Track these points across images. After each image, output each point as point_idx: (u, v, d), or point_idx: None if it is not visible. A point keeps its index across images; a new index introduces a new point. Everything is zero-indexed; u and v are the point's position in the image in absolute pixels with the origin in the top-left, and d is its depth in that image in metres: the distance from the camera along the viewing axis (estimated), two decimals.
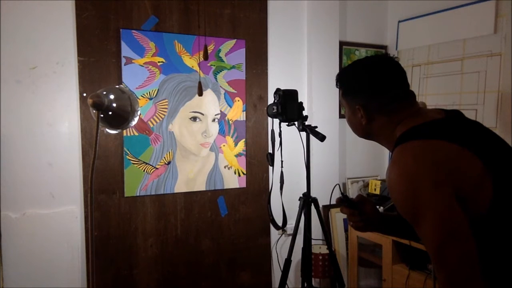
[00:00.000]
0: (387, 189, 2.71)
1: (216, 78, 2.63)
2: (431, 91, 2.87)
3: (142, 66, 2.42)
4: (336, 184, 1.44)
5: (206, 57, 2.43)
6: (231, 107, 2.68)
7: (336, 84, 1.21)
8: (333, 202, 1.29)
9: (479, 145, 1.00)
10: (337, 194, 1.29)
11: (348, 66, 1.21)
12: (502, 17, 2.45)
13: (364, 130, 1.17)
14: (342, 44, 3.04)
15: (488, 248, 0.95)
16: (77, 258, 2.31)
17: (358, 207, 1.23)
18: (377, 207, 2.73)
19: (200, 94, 2.46)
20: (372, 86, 1.12)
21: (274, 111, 2.03)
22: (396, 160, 1.02)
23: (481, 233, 0.94)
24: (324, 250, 2.66)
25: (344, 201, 1.23)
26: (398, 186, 0.99)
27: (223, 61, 2.64)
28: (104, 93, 1.38)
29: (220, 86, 2.64)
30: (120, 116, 1.42)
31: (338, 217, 2.98)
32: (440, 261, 0.92)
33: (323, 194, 2.23)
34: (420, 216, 0.95)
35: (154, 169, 2.49)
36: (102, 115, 1.36)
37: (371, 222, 1.25)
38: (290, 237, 2.25)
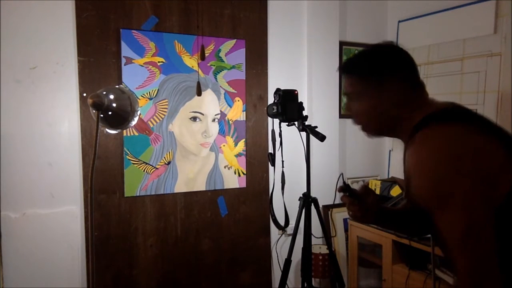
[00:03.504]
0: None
1: (216, 78, 2.63)
2: (431, 91, 2.83)
3: (142, 66, 2.42)
4: (341, 174, 1.43)
5: (203, 57, 2.44)
6: (231, 107, 2.68)
7: (350, 70, 1.13)
8: (338, 197, 1.28)
9: (500, 134, 0.99)
10: (341, 182, 1.30)
11: (363, 51, 1.15)
12: (502, 17, 2.45)
13: (381, 118, 1.10)
14: (342, 44, 3.04)
15: (501, 241, 0.93)
16: (77, 258, 2.31)
17: (359, 197, 1.22)
18: None
19: (199, 94, 2.47)
20: (394, 66, 1.09)
21: (274, 111, 2.03)
22: (424, 142, 0.98)
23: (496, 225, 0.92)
24: (324, 250, 2.66)
25: (345, 190, 1.23)
26: (425, 168, 0.95)
27: (223, 61, 2.64)
28: (104, 93, 1.38)
29: (220, 86, 2.64)
30: (120, 116, 1.42)
31: (338, 217, 2.98)
32: (463, 250, 0.90)
33: (323, 194, 2.24)
34: (446, 201, 0.91)
35: (154, 169, 2.49)
36: (102, 115, 1.36)
37: (370, 214, 1.23)
38: (290, 237, 2.25)
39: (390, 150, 3.25)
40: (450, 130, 0.97)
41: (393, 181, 2.79)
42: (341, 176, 1.42)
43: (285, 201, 2.19)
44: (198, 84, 2.25)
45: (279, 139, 2.10)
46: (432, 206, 0.96)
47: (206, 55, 2.55)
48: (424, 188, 0.97)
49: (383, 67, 1.09)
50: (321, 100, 2.91)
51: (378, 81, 1.09)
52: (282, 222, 2.20)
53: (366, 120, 1.14)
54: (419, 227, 1.29)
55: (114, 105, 1.39)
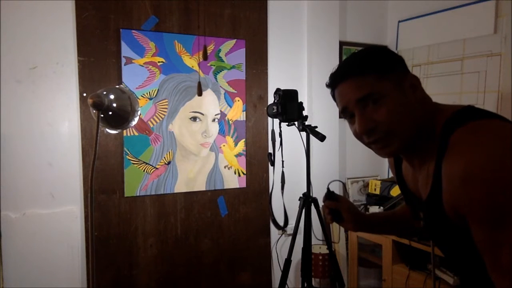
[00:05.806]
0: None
1: (216, 78, 2.63)
2: (431, 91, 2.87)
3: (142, 66, 2.42)
4: (333, 181, 1.47)
5: (205, 57, 2.44)
6: (231, 107, 2.68)
7: (362, 70, 0.92)
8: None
9: None
10: (335, 187, 1.34)
11: (359, 52, 0.98)
12: (502, 17, 2.45)
13: (415, 117, 0.91)
14: (342, 44, 3.04)
15: None
16: (77, 258, 2.31)
17: (335, 209, 1.30)
18: (379, 207, 2.70)
19: (200, 94, 2.47)
20: (403, 62, 0.96)
21: (274, 111, 2.03)
22: (474, 142, 0.80)
23: None
24: (324, 250, 2.66)
25: (328, 196, 1.33)
26: (481, 174, 0.77)
27: (223, 61, 2.64)
28: (104, 93, 1.38)
29: (220, 86, 2.64)
30: (120, 116, 1.42)
31: None
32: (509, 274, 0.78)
33: (323, 194, 2.23)
34: (502, 218, 0.76)
35: (154, 169, 2.49)
36: (102, 115, 1.36)
37: (344, 225, 1.32)
38: (290, 237, 2.25)
39: None
40: (503, 126, 0.81)
41: (393, 181, 2.79)
42: (332, 182, 1.47)
43: (285, 201, 2.19)
44: (199, 84, 2.26)
45: (279, 139, 2.10)
46: (477, 219, 0.80)
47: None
48: (473, 198, 0.79)
49: (396, 61, 0.95)
50: (321, 100, 2.91)
51: (397, 76, 0.93)
52: (281, 222, 2.20)
53: (398, 121, 0.90)
54: (406, 230, 1.38)
55: (114, 105, 1.39)
